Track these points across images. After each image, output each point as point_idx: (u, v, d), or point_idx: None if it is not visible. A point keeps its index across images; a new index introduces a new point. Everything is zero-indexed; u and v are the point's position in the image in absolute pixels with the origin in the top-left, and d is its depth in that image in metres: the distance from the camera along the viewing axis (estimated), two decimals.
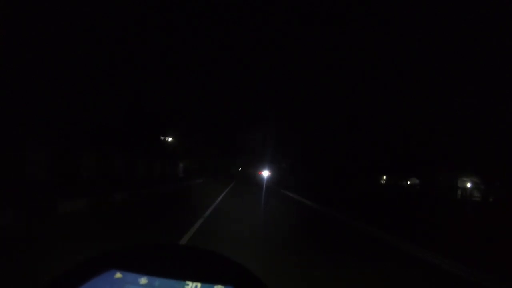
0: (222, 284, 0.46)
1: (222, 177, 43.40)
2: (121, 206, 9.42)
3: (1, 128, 9.75)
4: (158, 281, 0.46)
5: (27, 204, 6.35)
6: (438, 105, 18.89)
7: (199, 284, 0.46)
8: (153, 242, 0.58)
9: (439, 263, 4.77)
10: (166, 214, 8.72)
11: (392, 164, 22.76)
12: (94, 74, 14.72)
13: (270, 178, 39.12)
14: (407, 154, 20.47)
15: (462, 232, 7.34)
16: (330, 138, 28.17)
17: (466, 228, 7.94)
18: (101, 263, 0.47)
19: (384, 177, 30.36)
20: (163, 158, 24.38)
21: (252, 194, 18.56)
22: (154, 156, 22.14)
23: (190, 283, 0.46)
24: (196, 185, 24.68)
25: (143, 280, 0.46)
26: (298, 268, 4.08)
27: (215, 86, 60.77)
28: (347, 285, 3.56)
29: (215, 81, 59.06)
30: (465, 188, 21.78)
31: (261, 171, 42.32)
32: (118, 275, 0.46)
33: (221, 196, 14.35)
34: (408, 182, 26.89)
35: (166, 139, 25.57)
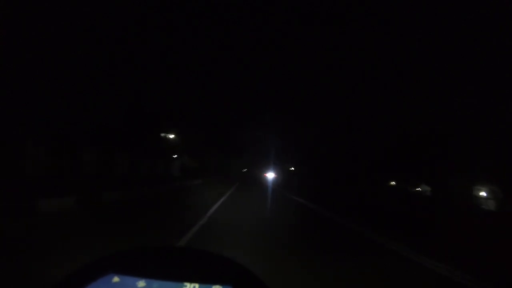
0: (220, 284, 0.46)
1: (223, 177, 39.49)
2: (109, 207, 8.20)
3: (1, 127, 9.76)
4: (156, 284, 0.46)
5: (3, 203, 5.88)
6: (452, 108, 18.36)
7: (197, 285, 0.45)
8: (150, 244, 0.57)
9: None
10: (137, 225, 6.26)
11: (400, 169, 21.86)
12: (94, 74, 14.72)
13: (275, 180, 37.74)
14: (415, 158, 19.65)
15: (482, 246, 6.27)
16: (334, 140, 27.88)
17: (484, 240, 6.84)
18: (99, 267, 0.47)
19: (393, 183, 28.92)
20: (155, 156, 22.27)
21: (258, 201, 13.60)
22: (140, 154, 19.32)
23: (188, 284, 0.46)
24: (191, 187, 19.77)
25: (141, 283, 0.46)
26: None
27: (215, 86, 60.81)
28: None
29: (215, 81, 59.12)
30: (479, 197, 20.25)
31: (266, 173, 40.64)
32: (116, 279, 0.46)
33: (214, 207, 9.66)
34: (418, 189, 25.58)
35: (165, 135, 24.71)
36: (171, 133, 25.23)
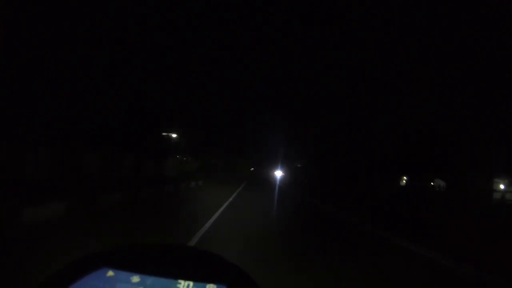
0: (214, 283, 0.46)
1: (230, 177, 35.79)
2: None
3: (0, 127, 9.77)
4: (150, 280, 0.46)
5: None
6: (466, 102, 17.85)
7: (191, 283, 0.45)
8: (145, 241, 0.57)
9: None
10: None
11: (412, 163, 20.92)
12: (94, 74, 14.75)
13: (283, 178, 37.17)
14: (429, 151, 19.09)
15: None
16: (340, 137, 27.45)
17: None
18: (94, 261, 0.47)
19: (404, 178, 28.13)
20: (153, 155, 20.56)
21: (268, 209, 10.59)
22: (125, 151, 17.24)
23: (182, 281, 0.46)
24: (184, 190, 14.68)
25: (135, 279, 0.46)
26: None
27: (215, 86, 60.85)
28: None
29: (215, 81, 59.16)
30: (498, 190, 19.53)
31: (274, 171, 39.66)
32: (110, 273, 0.46)
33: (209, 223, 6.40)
34: (432, 184, 24.50)
35: (168, 135, 24.24)
36: (172, 132, 24.89)
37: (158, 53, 27.04)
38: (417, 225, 7.70)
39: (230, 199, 11.82)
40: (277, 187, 22.07)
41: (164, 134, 24.28)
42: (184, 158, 30.63)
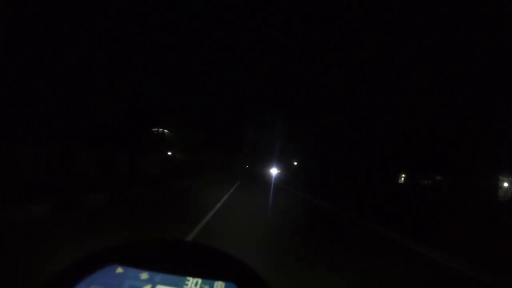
0: (223, 280, 0.45)
1: (224, 175, 36.59)
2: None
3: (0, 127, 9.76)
4: (159, 277, 0.46)
5: None
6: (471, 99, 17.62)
7: (200, 280, 0.45)
8: (155, 237, 0.57)
9: None
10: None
11: (412, 163, 20.87)
12: (94, 74, 14.74)
13: (279, 176, 37.15)
14: (429, 151, 18.97)
15: None
16: (340, 137, 27.34)
17: None
18: (102, 257, 0.47)
19: (403, 175, 27.86)
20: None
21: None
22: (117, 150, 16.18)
23: (191, 278, 0.45)
24: (177, 190, 13.50)
25: (144, 275, 0.46)
26: None
27: (215, 86, 60.91)
28: None
29: (215, 81, 59.22)
30: (502, 188, 19.25)
31: (270, 169, 39.71)
32: (120, 270, 0.46)
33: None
34: (431, 181, 24.16)
35: (157, 130, 23.64)
36: (167, 129, 24.31)
37: (158, 53, 27.06)
38: (418, 224, 7.67)
39: (225, 197, 11.47)
40: (272, 185, 21.11)
41: (154, 130, 23.31)
42: (177, 155, 29.57)
